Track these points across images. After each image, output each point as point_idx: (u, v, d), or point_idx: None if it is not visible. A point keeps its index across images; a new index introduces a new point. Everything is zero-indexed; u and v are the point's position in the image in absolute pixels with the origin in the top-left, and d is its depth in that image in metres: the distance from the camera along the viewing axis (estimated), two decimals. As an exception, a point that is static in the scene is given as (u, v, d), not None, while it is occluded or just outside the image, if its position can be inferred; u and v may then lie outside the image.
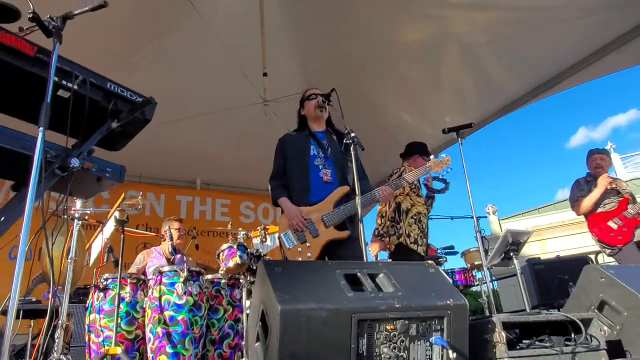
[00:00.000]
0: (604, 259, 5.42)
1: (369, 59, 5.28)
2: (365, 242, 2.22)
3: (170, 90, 5.08)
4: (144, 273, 3.90)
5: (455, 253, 4.92)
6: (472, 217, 5.21)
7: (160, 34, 4.50)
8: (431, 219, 5.09)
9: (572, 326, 1.83)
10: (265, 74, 5.01)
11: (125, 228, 3.53)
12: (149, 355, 3.04)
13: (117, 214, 3.19)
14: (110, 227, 3.35)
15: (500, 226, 17.76)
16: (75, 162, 1.64)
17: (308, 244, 2.70)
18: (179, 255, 4.14)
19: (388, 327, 1.47)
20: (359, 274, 1.59)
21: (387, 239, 3.86)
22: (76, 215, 3.19)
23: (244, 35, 4.79)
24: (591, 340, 1.86)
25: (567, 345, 1.79)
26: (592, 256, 5.53)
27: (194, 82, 5.10)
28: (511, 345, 1.74)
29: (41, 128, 1.45)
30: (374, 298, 1.50)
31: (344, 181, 2.91)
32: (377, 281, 1.62)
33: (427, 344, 1.52)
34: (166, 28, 4.48)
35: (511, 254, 2.37)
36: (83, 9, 1.54)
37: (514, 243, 2.37)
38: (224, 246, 3.63)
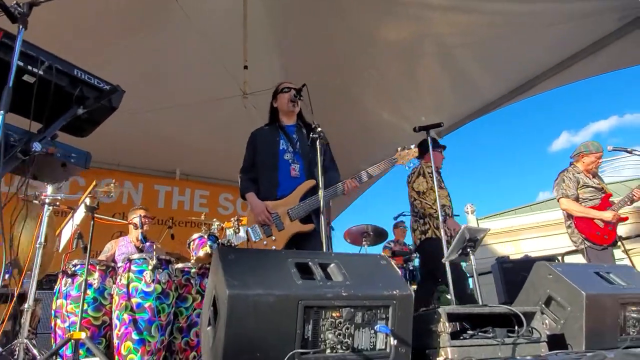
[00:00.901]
0: (578, 260, 5.57)
1: (350, 56, 5.34)
2: (326, 234, 2.28)
3: (151, 80, 5.10)
4: (114, 261, 3.91)
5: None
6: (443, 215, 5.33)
7: (142, 24, 4.50)
8: (405, 215, 5.21)
9: (516, 319, 1.92)
10: (246, 67, 5.05)
11: (98, 215, 3.55)
12: (115, 341, 3.08)
13: (87, 200, 3.21)
14: (80, 213, 3.36)
15: (478, 225, 18.11)
16: (37, 147, 1.67)
17: (274, 238, 2.77)
18: (147, 244, 4.16)
19: (334, 315, 1.54)
20: (310, 263, 1.65)
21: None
22: (46, 200, 3.18)
23: (226, 27, 4.82)
24: (533, 333, 1.96)
25: (509, 337, 1.88)
26: (560, 257, 5.66)
27: (174, 73, 5.11)
28: (455, 335, 1.83)
29: (1, 112, 1.48)
30: (322, 286, 1.56)
31: (311, 176, 2.96)
32: (328, 270, 1.68)
33: (372, 331, 1.59)
34: (149, 19, 4.48)
35: (468, 250, 2.46)
36: (48, -3, 1.56)
37: (471, 240, 2.46)
38: (195, 236, 3.68)
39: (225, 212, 7.19)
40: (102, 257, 3.95)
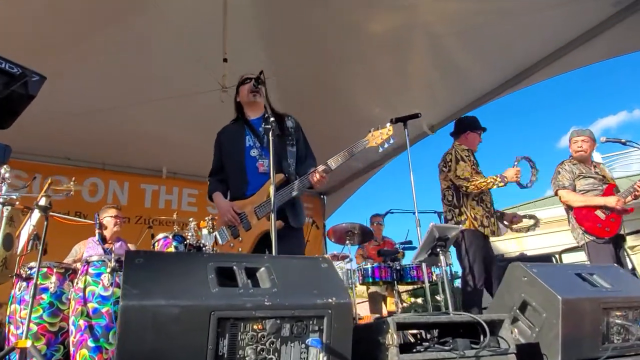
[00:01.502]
0: (579, 258, 5.32)
1: (337, 48, 5.12)
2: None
3: (128, 75, 4.93)
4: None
5: (413, 248, 4.80)
6: (435, 212, 5.11)
7: (114, 18, 4.32)
8: (392, 212, 4.98)
9: (482, 328, 1.70)
10: (225, 60, 4.85)
11: (57, 214, 3.38)
12: (71, 348, 2.90)
13: (42, 200, 3.03)
14: (36, 213, 3.18)
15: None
16: None
17: (240, 239, 2.58)
18: (118, 244, 4.00)
19: (255, 327, 1.33)
20: (235, 267, 1.45)
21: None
22: (1, 200, 3.00)
23: (204, 18, 4.62)
24: (500, 344, 1.74)
25: (472, 349, 1.66)
26: (558, 255, 5.42)
27: (150, 67, 4.92)
28: (407, 348, 1.61)
29: None
30: (242, 295, 1.35)
31: (280, 170, 2.71)
32: (256, 276, 1.48)
33: (303, 345, 1.38)
34: (120, 12, 4.30)
35: (438, 249, 2.24)
36: None
37: (441, 238, 2.24)
38: (160, 236, 3.51)
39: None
40: (68, 259, 3.77)
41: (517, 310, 2.06)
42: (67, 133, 5.62)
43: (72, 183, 3.31)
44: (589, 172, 3.78)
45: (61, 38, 4.30)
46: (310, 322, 1.40)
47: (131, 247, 4.01)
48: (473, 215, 3.61)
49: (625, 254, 3.65)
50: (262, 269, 1.48)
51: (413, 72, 5.38)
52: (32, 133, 4.87)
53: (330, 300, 1.42)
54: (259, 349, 1.33)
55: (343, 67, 5.33)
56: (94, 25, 4.31)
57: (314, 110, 6.02)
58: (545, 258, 5.11)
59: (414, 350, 1.61)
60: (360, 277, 4.42)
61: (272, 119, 2.32)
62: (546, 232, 9.53)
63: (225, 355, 1.29)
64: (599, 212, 3.61)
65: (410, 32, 4.78)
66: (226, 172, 2.90)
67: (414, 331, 2.94)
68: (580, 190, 3.74)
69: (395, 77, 5.45)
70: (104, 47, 4.55)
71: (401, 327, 1.59)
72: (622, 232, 3.58)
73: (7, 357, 2.83)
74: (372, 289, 4.58)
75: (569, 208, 3.80)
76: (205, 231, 3.77)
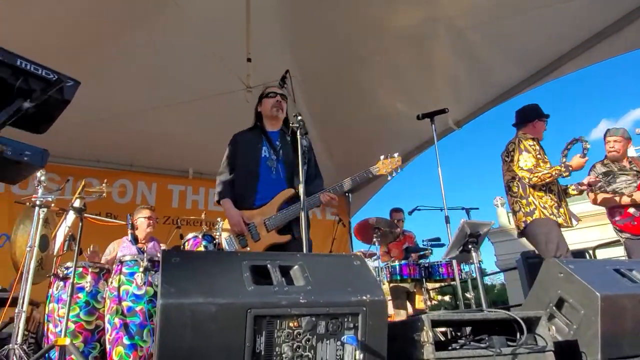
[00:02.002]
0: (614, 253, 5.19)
1: (360, 45, 5.11)
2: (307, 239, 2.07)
3: (153, 78, 5.02)
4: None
5: (441, 245, 4.74)
6: (462, 209, 5.05)
7: (138, 22, 4.41)
8: (419, 209, 4.94)
9: (518, 326, 1.67)
10: (249, 60, 4.89)
11: (90, 216, 3.47)
12: (107, 346, 2.98)
13: (77, 202, 3.11)
14: (71, 215, 3.27)
15: (508, 219, 17.42)
16: (-32, 145, 1.54)
17: (249, 249, 2.60)
18: (151, 244, 4.07)
19: (291, 325, 1.34)
20: (269, 265, 1.46)
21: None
22: (37, 202, 3.09)
23: (228, 19, 4.67)
24: (537, 341, 1.71)
25: (508, 346, 1.63)
26: (592, 251, 5.28)
27: (177, 69, 5.00)
28: (443, 345, 1.60)
29: None
30: (277, 292, 1.36)
31: (292, 185, 2.77)
32: (290, 274, 1.48)
33: (338, 343, 1.38)
34: (144, 15, 4.38)
35: (470, 246, 2.21)
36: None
37: (472, 235, 2.21)
38: (190, 235, 3.56)
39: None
40: (104, 259, 3.87)
41: (554, 307, 2.01)
42: (96, 136, 5.76)
43: (104, 185, 3.39)
44: (623, 169, 3.68)
45: (88, 43, 4.40)
46: (345, 320, 1.40)
47: (163, 247, 4.08)
48: (542, 205, 3.45)
49: None
50: (296, 267, 1.49)
51: (436, 67, 5.32)
52: (63, 137, 4.98)
53: (364, 297, 1.42)
54: (295, 346, 1.34)
55: (366, 64, 5.32)
56: (119, 29, 4.41)
57: (338, 108, 6.03)
58: (578, 254, 4.98)
59: (450, 347, 1.59)
60: (388, 275, 4.39)
61: (300, 117, 2.33)
62: (581, 227, 9.33)
63: (262, 353, 1.30)
64: (631, 210, 3.52)
65: (433, 27, 4.72)
66: (237, 176, 2.89)
67: (443, 329, 2.91)
68: (614, 189, 3.64)
69: (419, 73, 5.39)
70: (129, 51, 4.65)
71: (436, 324, 1.58)
72: None
73: (46, 354, 2.92)
74: (395, 283, 4.54)
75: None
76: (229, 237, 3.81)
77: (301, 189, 2.16)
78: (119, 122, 5.50)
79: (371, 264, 4.44)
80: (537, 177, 3.44)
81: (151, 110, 5.39)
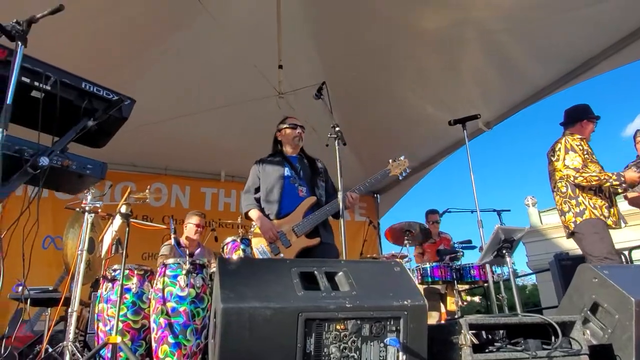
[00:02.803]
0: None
1: (389, 50, 5.19)
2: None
3: (188, 85, 5.22)
4: None
5: (473, 247, 4.77)
6: (494, 211, 5.06)
7: (171, 31, 4.59)
8: (450, 212, 4.98)
9: (553, 329, 1.74)
10: (280, 67, 5.03)
11: (134, 221, 3.66)
12: (153, 344, 3.14)
13: (123, 208, 3.30)
14: (118, 220, 3.46)
15: (540, 218, 17.15)
16: (44, 161, 1.70)
17: (282, 255, 2.78)
18: (198, 250, 4.24)
19: (338, 327, 1.45)
20: (316, 272, 1.57)
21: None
22: (87, 208, 3.29)
23: (259, 27, 4.82)
24: (572, 345, 1.77)
25: (544, 349, 1.70)
26: (627, 252, 5.20)
27: (210, 76, 5.18)
28: (480, 348, 1.68)
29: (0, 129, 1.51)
30: (325, 297, 1.47)
31: (314, 194, 3.09)
32: (335, 279, 1.59)
33: (382, 344, 1.48)
34: (177, 25, 4.56)
35: (504, 251, 2.27)
36: (44, 12, 1.59)
37: (506, 240, 2.27)
38: (228, 239, 3.69)
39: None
40: (160, 259, 4.05)
41: (588, 312, 2.06)
42: (133, 142, 5.97)
43: (147, 191, 3.57)
44: None
45: (128, 53, 4.63)
46: (388, 323, 1.50)
47: (209, 250, 4.24)
48: (592, 205, 3.40)
49: None
50: (340, 273, 1.60)
51: (466, 69, 5.34)
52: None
53: (405, 302, 1.51)
54: (342, 347, 1.45)
55: (395, 68, 5.39)
56: (154, 39, 4.61)
57: (368, 112, 6.11)
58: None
59: (487, 350, 1.67)
60: (419, 277, 4.46)
61: (337, 128, 2.46)
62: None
63: (312, 353, 1.41)
64: None
65: (462, 29, 4.76)
66: (261, 193, 3.18)
67: (474, 331, 2.96)
68: None
69: (448, 75, 5.42)
70: (164, 60, 4.86)
71: (473, 327, 1.66)
72: None
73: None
74: (426, 285, 4.61)
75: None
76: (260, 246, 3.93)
77: (340, 195, 2.28)
78: (155, 128, 5.71)
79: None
80: (583, 177, 3.38)
81: (185, 116, 5.58)
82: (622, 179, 3.31)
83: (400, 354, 1.46)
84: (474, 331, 2.74)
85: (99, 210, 3.41)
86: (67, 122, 1.86)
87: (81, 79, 1.89)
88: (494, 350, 1.67)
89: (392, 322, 1.50)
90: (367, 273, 1.63)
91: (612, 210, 3.43)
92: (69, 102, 1.83)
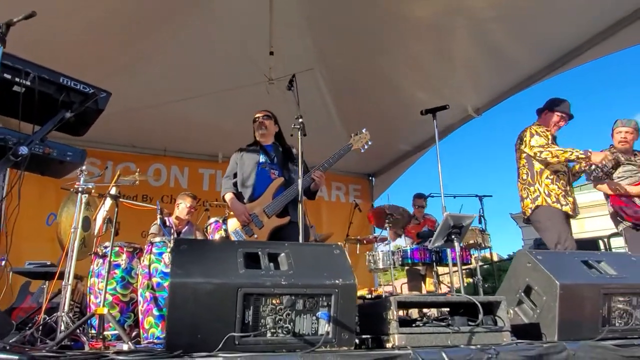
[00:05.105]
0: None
1: (382, 36, 5.27)
2: (304, 222, 2.39)
3: (185, 69, 5.38)
4: None
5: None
6: (476, 196, 5.21)
7: (171, 19, 4.74)
8: (433, 196, 5.14)
9: (482, 307, 1.92)
10: (271, 53, 5.17)
11: (125, 201, 3.88)
12: (140, 316, 3.40)
13: (113, 189, 3.52)
14: (109, 200, 3.68)
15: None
16: (23, 150, 1.90)
17: (255, 236, 2.98)
18: (186, 228, 4.47)
19: (274, 301, 1.65)
20: (259, 252, 1.77)
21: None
22: (79, 189, 3.51)
23: (251, 12, 4.93)
24: (497, 323, 1.95)
25: (469, 325, 1.89)
26: (606, 239, 5.34)
27: (205, 62, 5.33)
28: (407, 323, 1.87)
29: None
30: (264, 275, 1.67)
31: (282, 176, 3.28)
32: (278, 260, 1.79)
33: (314, 317, 1.68)
34: (179, 10, 4.70)
35: (453, 237, 2.44)
36: (19, 17, 1.76)
37: (455, 226, 2.44)
38: (211, 220, 3.92)
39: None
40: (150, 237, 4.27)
41: (522, 294, 2.24)
42: (133, 124, 6.21)
43: (137, 173, 3.78)
44: (627, 160, 3.75)
45: (127, 41, 4.79)
46: (320, 299, 1.70)
47: (198, 234, 4.45)
48: (547, 192, 3.55)
49: None
50: (282, 254, 1.79)
51: (456, 56, 5.41)
52: (105, 125, 5.43)
53: (337, 281, 1.70)
54: (277, 319, 1.65)
55: (387, 53, 5.47)
56: (152, 27, 4.76)
57: (361, 96, 6.23)
58: (591, 242, 5.07)
59: (414, 325, 1.86)
60: (400, 259, 4.65)
61: (301, 119, 2.63)
62: (596, 215, 9.23)
63: (250, 323, 1.62)
64: (636, 200, 3.60)
65: (453, 17, 4.82)
66: (238, 178, 3.41)
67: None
68: (617, 178, 3.73)
69: (439, 62, 5.50)
70: (162, 46, 5.01)
71: (402, 305, 1.85)
72: None
73: (88, 321, 3.38)
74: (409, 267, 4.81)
75: (606, 195, 3.80)
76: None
77: (299, 181, 2.46)
78: (154, 111, 5.91)
79: (383, 248, 4.71)
80: (549, 151, 3.49)
81: (183, 100, 5.76)
82: (589, 153, 3.41)
83: (329, 325, 1.66)
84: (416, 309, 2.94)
85: (92, 191, 3.63)
86: (46, 113, 2.05)
87: (59, 74, 2.07)
88: (421, 325, 1.86)
89: (324, 299, 1.70)
90: (307, 254, 1.82)
91: (569, 198, 3.56)
92: (47, 95, 2.02)
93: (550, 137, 3.67)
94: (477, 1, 4.57)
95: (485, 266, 5.34)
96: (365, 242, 5.25)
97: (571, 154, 3.45)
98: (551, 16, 4.60)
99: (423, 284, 4.99)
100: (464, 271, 8.72)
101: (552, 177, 3.60)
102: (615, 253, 2.62)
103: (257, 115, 3.56)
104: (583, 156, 3.42)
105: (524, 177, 3.72)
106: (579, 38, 4.82)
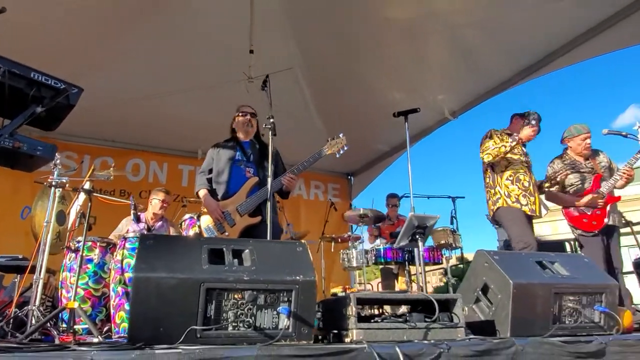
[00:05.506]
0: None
1: (361, 38, 5.34)
2: (275, 221, 2.45)
3: (165, 65, 5.38)
4: None
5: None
6: (449, 197, 5.32)
7: (152, 13, 4.73)
8: (407, 196, 5.24)
9: (439, 305, 2.01)
10: (251, 51, 5.20)
11: (100, 195, 3.89)
12: (111, 311, 3.42)
13: (87, 184, 3.52)
14: (82, 195, 3.68)
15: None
16: (-10, 144, 1.92)
17: (227, 234, 3.04)
18: (159, 223, 4.47)
19: (236, 296, 1.71)
20: (224, 249, 1.82)
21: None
22: (53, 183, 3.50)
23: (232, 11, 4.95)
24: (453, 319, 2.04)
25: (425, 322, 1.98)
26: (574, 241, 5.49)
27: (185, 58, 5.33)
28: (366, 318, 1.95)
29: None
30: (227, 271, 1.73)
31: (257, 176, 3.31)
32: (242, 256, 1.84)
33: (275, 312, 1.75)
34: (160, 5, 4.69)
35: (417, 237, 2.53)
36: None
37: (419, 227, 2.53)
38: (186, 216, 3.95)
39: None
40: (116, 232, 4.28)
41: (480, 292, 2.34)
42: (112, 118, 6.17)
43: (111, 169, 3.79)
44: (579, 166, 3.87)
45: (104, 34, 4.77)
46: (281, 294, 1.76)
47: (172, 230, 4.46)
48: (507, 193, 3.69)
49: (619, 245, 3.75)
50: (247, 250, 1.85)
51: (432, 59, 5.53)
52: (83, 118, 5.40)
53: (298, 277, 1.77)
54: (238, 313, 1.71)
55: (365, 55, 5.55)
56: (132, 19, 4.74)
57: (341, 97, 6.30)
58: (558, 244, 5.22)
59: (372, 320, 1.94)
60: (373, 258, 4.74)
61: (272, 120, 2.68)
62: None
63: (212, 317, 1.68)
64: (584, 208, 3.72)
65: (429, 21, 4.92)
66: (213, 174, 3.42)
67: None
68: (570, 185, 3.85)
69: (417, 65, 5.60)
70: (142, 40, 4.99)
71: (361, 301, 1.93)
72: (612, 222, 3.67)
73: (59, 315, 3.38)
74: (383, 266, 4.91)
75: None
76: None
77: (269, 181, 2.52)
78: (134, 106, 5.89)
79: (358, 246, 4.79)
80: (486, 153, 3.72)
81: (163, 95, 5.76)
82: (517, 136, 3.62)
83: (288, 320, 1.72)
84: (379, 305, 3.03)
85: (66, 185, 3.62)
86: (17, 108, 2.07)
87: (30, 69, 2.09)
88: (379, 320, 1.94)
89: (285, 294, 1.76)
90: (271, 251, 1.89)
91: (531, 198, 3.69)
92: (18, 90, 2.04)
93: (509, 142, 3.76)
94: (452, 7, 4.68)
95: (460, 266, 5.45)
96: (340, 240, 5.33)
97: (502, 147, 3.65)
98: (523, 24, 4.75)
99: (396, 283, 5.09)
100: (439, 271, 8.87)
101: (511, 178, 3.74)
102: (569, 255, 2.75)
103: (244, 111, 3.55)
104: (514, 143, 3.63)
105: (487, 180, 3.90)
106: (549, 46, 4.98)
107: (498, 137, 3.82)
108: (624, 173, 3.62)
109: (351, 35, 5.30)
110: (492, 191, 3.78)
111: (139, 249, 1.73)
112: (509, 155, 3.73)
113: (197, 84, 5.71)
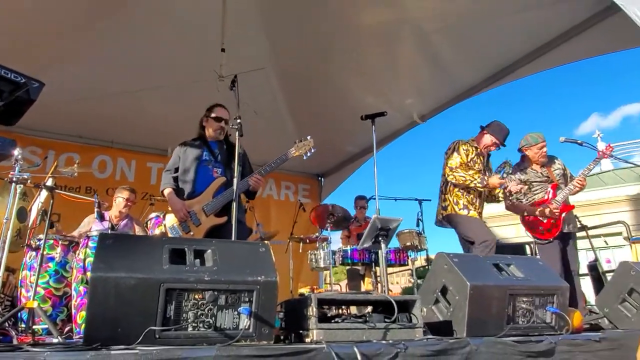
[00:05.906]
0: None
1: (332, 40, 5.39)
2: (242, 221, 2.46)
3: (135, 62, 5.29)
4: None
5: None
6: (416, 200, 5.42)
7: (121, 7, 4.65)
8: (374, 198, 5.31)
9: (398, 306, 2.06)
10: (223, 50, 5.17)
11: (64, 193, 3.81)
12: (73, 311, 3.36)
13: (49, 181, 3.44)
14: (44, 192, 3.60)
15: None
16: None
17: (192, 233, 3.01)
18: (123, 222, 4.40)
19: (197, 297, 1.72)
20: (186, 249, 1.83)
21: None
22: (14, 179, 3.40)
23: (204, 10, 4.91)
24: (412, 320, 2.10)
25: (385, 322, 2.03)
26: (533, 244, 5.68)
27: (155, 55, 5.26)
28: (327, 319, 1.98)
29: None
30: (188, 271, 1.74)
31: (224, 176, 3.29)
32: (204, 256, 1.85)
33: (235, 312, 1.76)
34: (124, 2, 4.62)
35: (380, 239, 2.58)
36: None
37: (382, 229, 2.58)
38: (152, 215, 3.91)
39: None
40: (76, 232, 4.18)
41: (439, 293, 2.41)
42: (79, 113, 6.03)
43: (76, 165, 3.72)
44: (536, 175, 4.03)
45: (72, 27, 4.67)
46: (242, 295, 1.78)
47: (138, 229, 4.38)
48: (455, 201, 3.86)
49: (576, 248, 3.91)
50: (209, 251, 1.86)
51: (403, 64, 5.63)
52: (48, 112, 5.27)
53: (259, 278, 1.79)
54: (199, 313, 1.72)
55: (337, 58, 5.61)
56: (100, 14, 4.65)
57: (310, 97, 6.34)
58: (519, 247, 5.38)
59: (333, 321, 1.98)
60: (340, 259, 4.79)
61: (239, 120, 2.68)
62: None
63: (172, 317, 1.68)
64: (541, 217, 3.86)
65: (401, 27, 5.02)
66: (179, 173, 3.39)
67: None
68: (533, 191, 4.00)
69: (387, 69, 5.69)
70: (111, 35, 4.90)
71: (322, 302, 1.96)
72: (568, 229, 3.83)
73: (18, 315, 3.30)
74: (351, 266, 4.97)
75: None
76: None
77: (235, 181, 2.52)
78: (102, 102, 5.78)
79: (326, 247, 4.83)
80: (454, 175, 3.82)
81: (132, 92, 5.67)
82: (485, 182, 3.74)
83: (251, 320, 1.74)
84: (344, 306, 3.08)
85: (28, 181, 3.53)
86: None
87: (-12, 63, 2.04)
88: (339, 321, 1.98)
89: (246, 294, 1.78)
90: (233, 252, 1.90)
91: (476, 205, 3.90)
92: (-25, 84, 1.99)
93: (474, 155, 3.94)
94: (423, 14, 4.78)
95: (427, 267, 5.56)
96: (308, 241, 5.36)
97: (470, 182, 3.77)
98: (489, 33, 4.90)
99: (362, 284, 5.16)
100: (408, 272, 8.98)
101: (462, 191, 3.91)
102: (525, 257, 2.86)
103: (220, 117, 3.48)
104: (480, 186, 3.74)
105: (442, 187, 4.06)
106: (515, 54, 5.15)
107: (464, 151, 3.94)
108: (578, 183, 3.77)
109: (325, 37, 5.34)
110: (442, 197, 3.98)
111: (97, 248, 1.71)
112: (470, 168, 3.88)
113: (167, 82, 5.65)
